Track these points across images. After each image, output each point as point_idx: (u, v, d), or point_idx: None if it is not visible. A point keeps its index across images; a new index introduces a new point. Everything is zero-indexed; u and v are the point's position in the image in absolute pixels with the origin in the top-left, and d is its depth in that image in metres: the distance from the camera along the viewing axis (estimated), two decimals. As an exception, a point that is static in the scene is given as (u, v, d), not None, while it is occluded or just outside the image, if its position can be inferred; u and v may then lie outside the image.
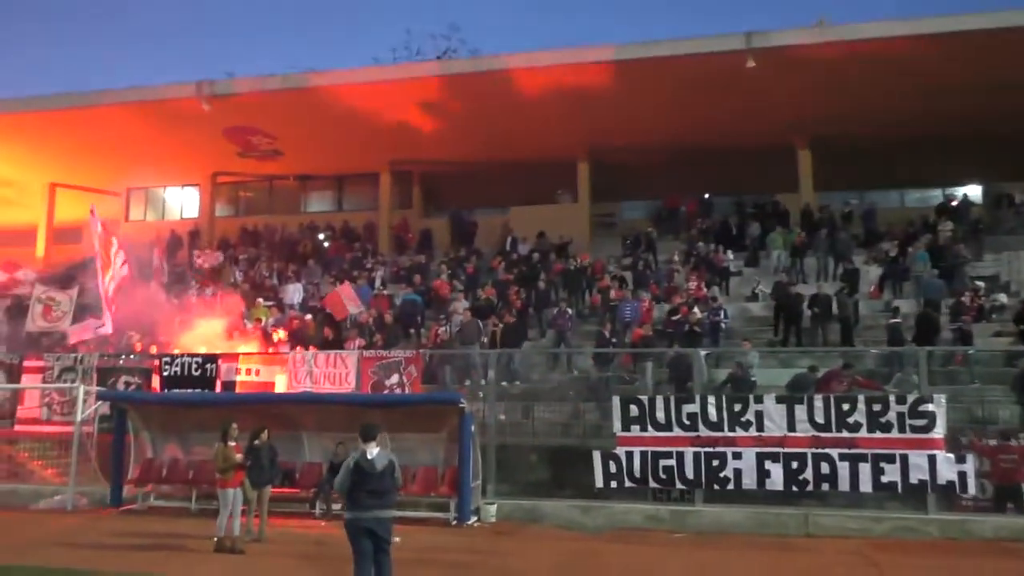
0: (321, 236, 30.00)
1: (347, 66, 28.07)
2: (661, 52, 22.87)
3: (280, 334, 20.74)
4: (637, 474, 13.65)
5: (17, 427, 17.68)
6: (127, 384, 17.19)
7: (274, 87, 25.85)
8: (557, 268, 23.48)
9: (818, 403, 13.19)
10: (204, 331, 19.40)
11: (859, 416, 12.94)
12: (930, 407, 12.74)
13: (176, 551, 11.90)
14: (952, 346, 17.23)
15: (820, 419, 13.07)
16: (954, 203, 24.96)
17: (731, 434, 13.37)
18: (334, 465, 12.86)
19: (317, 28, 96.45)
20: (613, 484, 13.77)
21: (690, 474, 13.47)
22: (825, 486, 13.05)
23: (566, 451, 15.40)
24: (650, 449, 13.63)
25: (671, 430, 13.60)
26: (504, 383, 17.47)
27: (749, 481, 13.25)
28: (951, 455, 12.62)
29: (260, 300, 23.25)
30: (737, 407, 13.46)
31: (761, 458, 13.19)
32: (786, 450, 13.12)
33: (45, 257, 31.50)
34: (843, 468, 12.87)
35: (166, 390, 16.84)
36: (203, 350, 17.97)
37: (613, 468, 13.74)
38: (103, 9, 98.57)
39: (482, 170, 28.55)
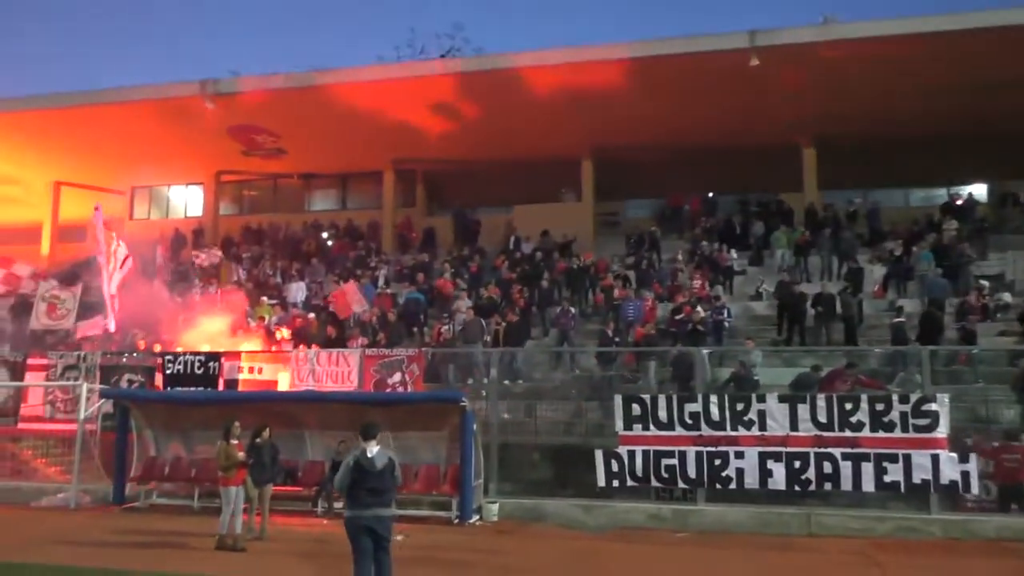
0: (325, 235, 30.02)
1: (351, 65, 28.18)
2: (665, 50, 22.83)
3: (284, 333, 20.78)
4: (639, 473, 13.62)
5: (21, 425, 17.70)
6: (130, 382, 17.20)
7: (278, 86, 25.89)
8: (560, 267, 23.46)
9: (821, 402, 13.13)
10: (207, 329, 19.42)
11: (862, 415, 12.88)
12: (933, 407, 12.68)
13: (178, 549, 11.94)
14: (956, 346, 17.16)
15: (823, 418, 13.01)
16: (959, 202, 24.85)
17: (733, 433, 13.33)
18: (336, 463, 12.85)
19: (321, 27, 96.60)
20: (615, 483, 13.74)
21: (692, 473, 13.44)
22: (828, 486, 13.00)
23: (568, 450, 15.38)
24: (652, 448, 13.60)
25: (673, 429, 13.56)
26: (507, 382, 17.48)
27: (751, 480, 13.21)
28: (954, 455, 12.56)
29: (264, 299, 23.26)
30: (739, 406, 13.42)
31: (763, 457, 13.15)
32: (788, 449, 13.07)
33: (50, 255, 31.56)
34: (846, 468, 12.81)
35: (169, 388, 16.86)
36: (206, 348, 17.99)
37: (615, 467, 13.71)
38: (106, 8, 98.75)
39: (486, 169, 28.53)
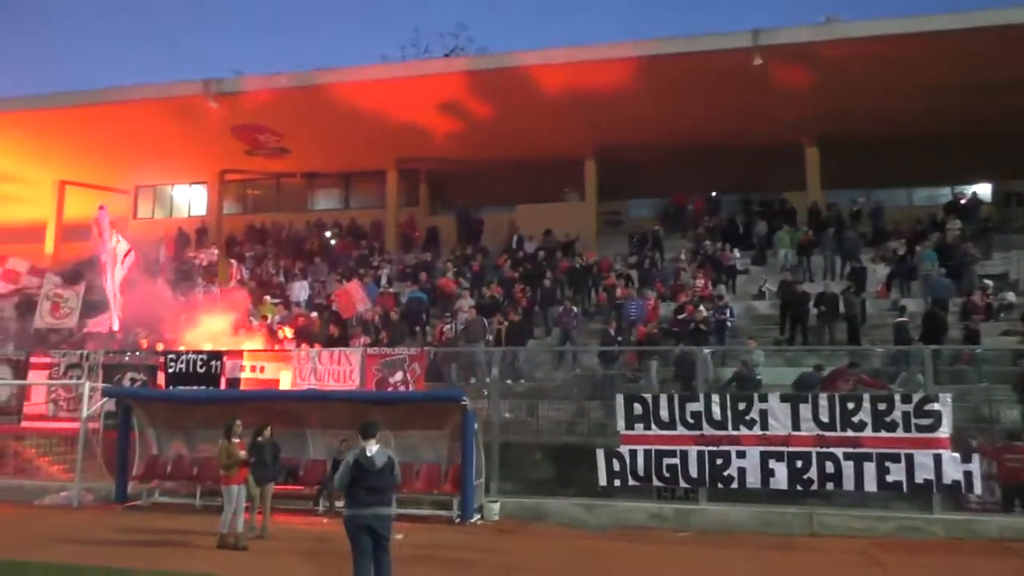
0: (328, 234, 30.05)
1: (355, 64, 28.11)
2: (668, 50, 22.78)
3: (287, 332, 20.80)
4: (641, 472, 13.60)
5: (24, 423, 17.73)
6: (132, 381, 17.21)
7: (281, 85, 25.89)
8: (563, 266, 23.45)
9: (823, 402, 13.11)
10: (209, 328, 19.44)
11: (864, 415, 12.86)
12: (936, 406, 12.65)
13: (180, 547, 11.96)
14: (961, 345, 17.12)
15: (825, 418, 12.98)
16: (963, 201, 24.79)
17: (735, 433, 13.31)
18: (338, 462, 12.85)
19: (325, 27, 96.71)
20: (617, 482, 13.72)
21: (694, 473, 13.42)
22: (830, 485, 12.97)
23: (570, 449, 15.39)
24: (654, 447, 13.59)
25: (675, 428, 13.54)
26: (509, 381, 17.48)
27: (753, 480, 13.18)
28: (957, 454, 12.53)
29: (267, 298, 23.30)
30: (741, 406, 13.40)
31: (765, 457, 13.13)
32: (790, 449, 13.04)
33: (54, 254, 31.61)
34: (848, 467, 12.78)
35: (171, 387, 16.88)
36: (208, 347, 18.02)
37: (617, 466, 13.70)
38: (107, 8, 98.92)
39: (489, 168, 28.53)
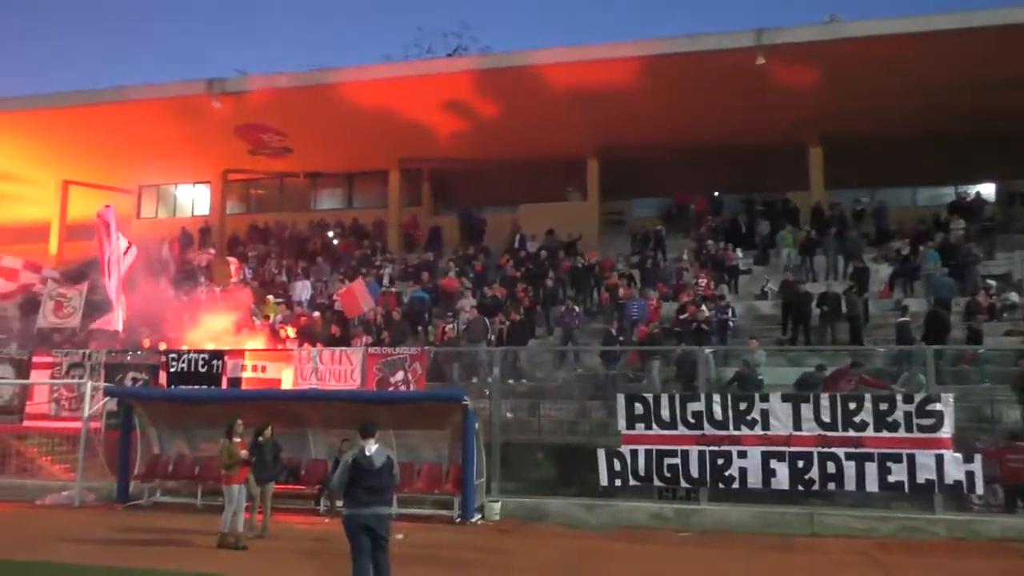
0: (330, 233, 30.07)
1: (358, 64, 28.09)
2: (671, 49, 22.73)
3: (289, 331, 20.82)
4: (642, 472, 13.60)
5: (26, 422, 17.74)
6: (134, 380, 17.23)
7: (284, 85, 25.89)
8: (565, 266, 23.44)
9: (824, 402, 13.09)
10: (211, 327, 19.46)
11: (866, 415, 12.85)
12: (938, 406, 12.63)
13: (181, 547, 11.98)
14: (963, 345, 17.07)
15: (826, 418, 12.97)
16: (967, 201, 24.69)
17: (736, 433, 13.29)
18: (339, 462, 12.87)
19: (327, 26, 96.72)
20: (618, 482, 13.72)
21: (695, 473, 13.40)
22: (831, 485, 12.97)
23: (571, 449, 15.36)
24: (655, 447, 13.57)
25: (676, 428, 13.53)
26: (511, 381, 17.47)
27: (754, 480, 13.17)
28: (958, 455, 12.50)
29: (270, 297, 23.33)
30: (742, 406, 13.38)
31: (766, 457, 13.12)
32: (792, 449, 13.03)
33: (58, 254, 31.68)
34: (849, 467, 12.77)
35: (172, 386, 16.90)
36: (211, 346, 18.03)
37: (618, 466, 13.69)
38: (111, 7, 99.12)
39: (492, 168, 28.52)
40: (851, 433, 12.84)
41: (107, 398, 16.41)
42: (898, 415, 12.72)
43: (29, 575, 10.47)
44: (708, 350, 15.86)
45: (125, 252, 19.45)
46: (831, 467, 12.86)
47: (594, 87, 23.37)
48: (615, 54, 23.09)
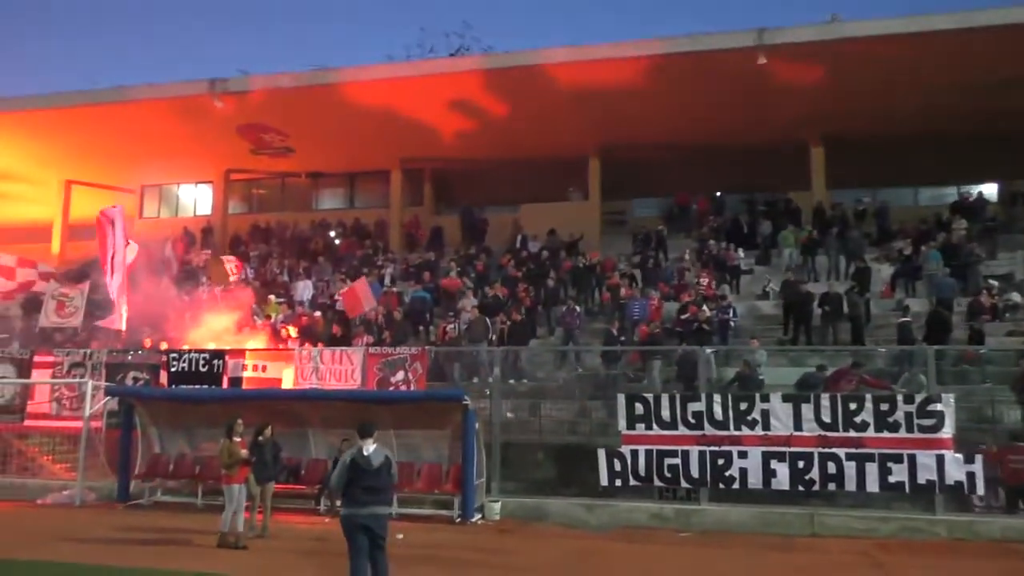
0: (332, 233, 30.09)
1: (360, 64, 28.11)
2: (672, 49, 22.72)
3: (291, 331, 20.83)
4: (642, 472, 13.58)
5: (27, 422, 17.75)
6: (135, 380, 17.23)
7: (286, 85, 25.91)
8: (567, 266, 23.43)
9: (825, 402, 13.07)
10: (212, 327, 19.47)
11: (866, 415, 12.82)
12: (938, 407, 12.61)
13: (181, 546, 11.98)
14: (964, 345, 17.04)
15: (827, 418, 12.95)
16: (969, 200, 24.65)
17: (737, 433, 13.27)
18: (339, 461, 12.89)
19: (329, 26, 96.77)
20: (618, 482, 13.70)
21: (695, 473, 13.38)
22: (831, 486, 12.94)
23: (572, 449, 15.35)
24: (655, 448, 13.56)
25: (676, 428, 13.51)
26: (512, 381, 17.47)
27: (755, 480, 13.14)
28: (959, 455, 12.48)
29: (272, 297, 23.35)
30: (743, 406, 13.36)
31: (767, 457, 13.09)
32: (792, 449, 13.01)
33: (60, 253, 31.73)
34: (850, 468, 12.74)
35: (173, 386, 16.91)
36: (212, 346, 18.04)
37: (618, 466, 13.67)
38: (113, 7, 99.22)
39: (493, 167, 28.53)
40: (852, 433, 12.82)
41: (108, 397, 16.43)
42: (899, 415, 12.70)
43: (30, 574, 10.48)
44: (709, 350, 15.84)
45: (125, 247, 19.46)
46: (832, 467, 12.83)
47: (595, 87, 23.37)
48: (616, 54, 23.08)
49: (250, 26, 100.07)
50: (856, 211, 25.37)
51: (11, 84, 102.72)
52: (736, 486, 13.26)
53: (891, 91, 22.35)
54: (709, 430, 13.38)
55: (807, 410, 13.06)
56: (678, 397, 13.85)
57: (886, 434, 12.70)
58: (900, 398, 12.97)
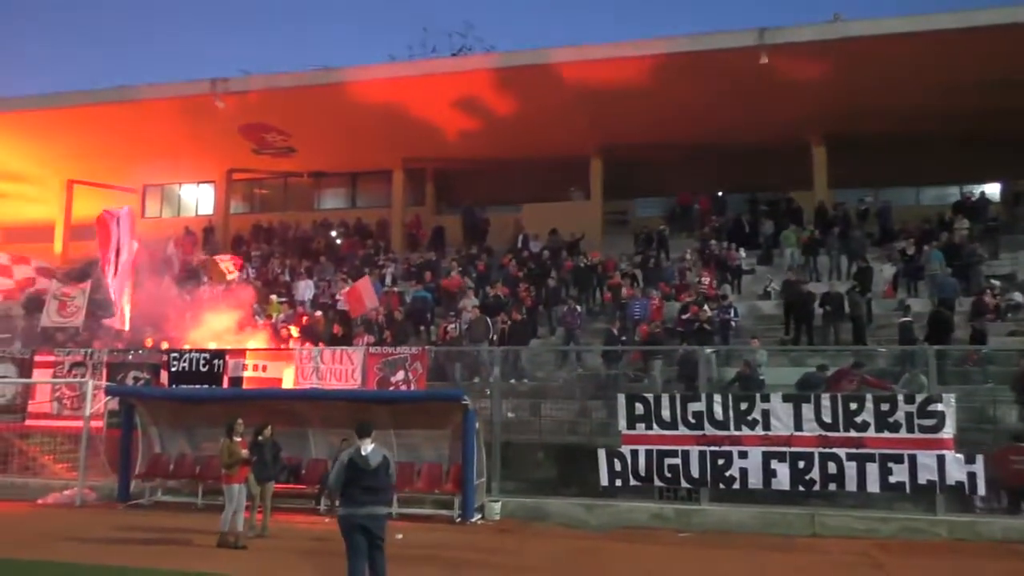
0: (333, 233, 30.09)
1: (362, 63, 28.10)
2: (674, 49, 22.76)
3: (293, 331, 20.82)
4: (642, 473, 13.55)
5: (29, 421, 17.78)
6: (135, 379, 17.25)
7: (288, 85, 25.94)
8: (568, 265, 23.41)
9: (825, 402, 13.04)
10: (213, 326, 19.46)
11: (867, 416, 12.78)
12: (939, 407, 12.57)
13: (181, 546, 12.00)
14: (965, 345, 17.00)
15: (827, 418, 12.91)
16: (972, 200, 24.59)
17: (737, 433, 13.24)
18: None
19: (331, 26, 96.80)
20: (618, 482, 13.68)
21: (696, 473, 13.36)
22: (832, 486, 12.90)
23: (572, 449, 15.32)
24: (655, 448, 13.53)
25: (676, 428, 13.48)
26: (512, 381, 17.45)
27: (755, 480, 13.11)
28: (960, 455, 12.44)
29: (273, 297, 23.35)
30: (743, 406, 13.33)
31: (767, 457, 13.06)
32: (792, 449, 12.98)
33: (63, 253, 31.79)
34: (850, 468, 12.71)
35: (173, 385, 16.91)
36: (212, 345, 18.04)
37: (618, 466, 13.65)
38: (114, 7, 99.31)
39: (495, 167, 28.54)
40: (852, 433, 12.78)
41: (108, 397, 16.44)
42: (899, 416, 12.66)
43: (31, 574, 10.49)
44: (709, 350, 15.81)
45: (130, 248, 19.47)
46: (832, 467, 12.79)
47: (597, 87, 23.38)
48: (618, 54, 23.11)
49: (252, 27, 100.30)
50: (858, 211, 25.33)
51: (11, 84, 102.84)
52: (736, 486, 13.23)
53: (893, 90, 22.30)
54: (709, 430, 13.35)
55: (808, 410, 13.02)
56: (678, 397, 13.82)
57: (887, 434, 12.66)
58: (901, 398, 12.94)
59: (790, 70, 22.00)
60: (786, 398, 13.34)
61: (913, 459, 12.52)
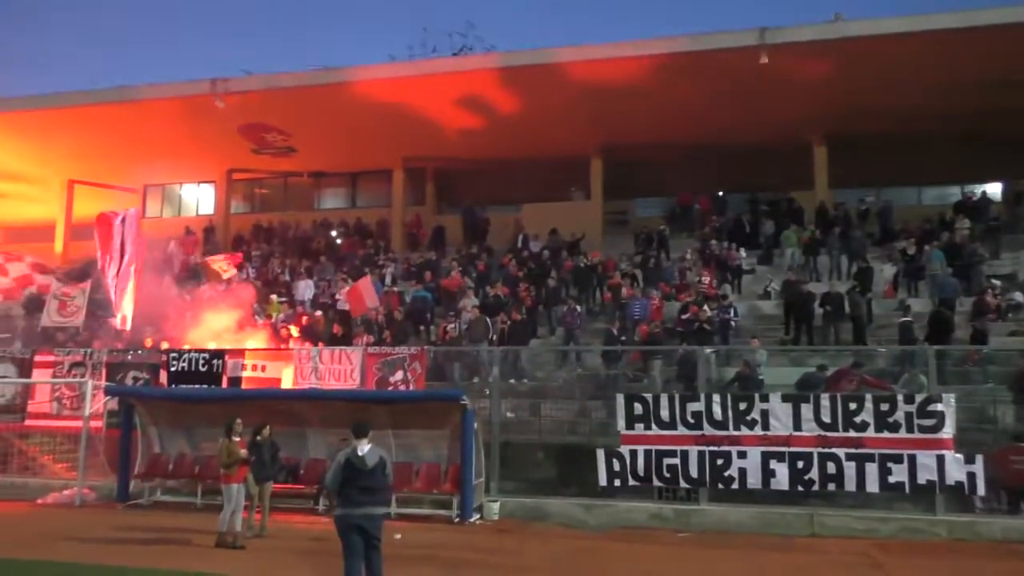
0: (334, 233, 30.09)
1: (362, 63, 28.12)
2: (675, 48, 22.74)
3: (293, 331, 20.82)
4: (641, 473, 13.54)
5: (28, 421, 17.77)
6: (135, 379, 17.24)
7: (288, 85, 25.93)
8: (568, 265, 23.39)
9: (824, 402, 13.02)
10: (213, 326, 19.46)
11: (866, 416, 12.77)
12: (939, 407, 12.55)
13: (180, 546, 12.01)
14: (965, 345, 16.97)
15: (826, 418, 12.90)
16: (973, 200, 24.55)
17: (736, 433, 13.23)
18: (336, 461, 12.88)
19: (332, 26, 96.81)
20: (617, 482, 13.67)
21: (694, 473, 13.35)
22: (831, 486, 12.89)
23: (571, 449, 15.31)
24: (654, 448, 13.52)
25: (675, 428, 13.47)
26: (512, 380, 17.44)
27: (754, 480, 13.10)
28: (960, 455, 12.42)
29: (273, 296, 23.35)
30: (742, 406, 13.32)
31: (766, 457, 13.05)
32: (792, 449, 12.97)
33: (63, 253, 31.80)
34: (849, 468, 12.70)
35: (173, 385, 16.91)
36: (212, 345, 18.04)
37: (617, 466, 13.64)
38: (115, 7, 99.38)
39: (495, 167, 28.53)
40: (851, 433, 12.77)
41: (108, 397, 16.45)
42: (899, 415, 12.65)
43: (31, 574, 10.49)
44: (709, 350, 15.79)
45: (134, 251, 19.48)
46: (831, 467, 12.78)
47: (598, 86, 23.36)
48: (619, 54, 23.09)
49: (252, 27, 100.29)
50: (859, 211, 25.30)
51: (11, 84, 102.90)
52: (735, 486, 13.22)
53: (894, 90, 22.28)
54: (708, 430, 13.34)
55: (806, 410, 13.01)
56: (677, 397, 13.81)
57: (886, 434, 12.65)
58: (900, 398, 12.92)
59: (790, 70, 21.98)
60: (785, 398, 13.33)
61: (913, 459, 12.50)
